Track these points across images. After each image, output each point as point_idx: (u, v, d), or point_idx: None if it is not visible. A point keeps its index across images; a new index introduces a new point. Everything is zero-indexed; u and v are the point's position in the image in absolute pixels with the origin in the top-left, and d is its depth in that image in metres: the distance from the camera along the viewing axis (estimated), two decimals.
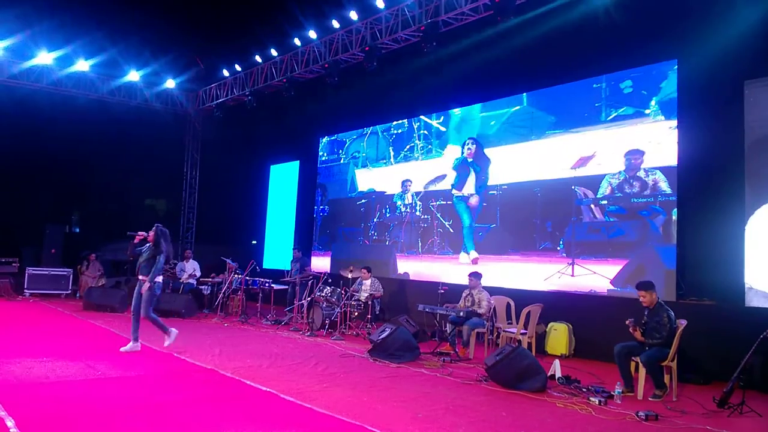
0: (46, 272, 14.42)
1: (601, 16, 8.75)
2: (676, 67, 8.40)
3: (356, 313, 10.36)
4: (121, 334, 8.95)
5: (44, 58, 14.26)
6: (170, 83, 16.32)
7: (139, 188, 18.11)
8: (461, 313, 8.58)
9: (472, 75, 11.12)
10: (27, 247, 15.55)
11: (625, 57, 8.98)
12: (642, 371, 6.33)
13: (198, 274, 13.26)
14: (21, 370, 6.14)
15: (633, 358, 6.53)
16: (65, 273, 14.54)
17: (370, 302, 10.47)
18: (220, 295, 11.93)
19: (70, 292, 14.41)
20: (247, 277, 11.69)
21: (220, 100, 16.21)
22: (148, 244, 7.85)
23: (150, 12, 14.26)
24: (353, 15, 11.55)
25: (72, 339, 8.44)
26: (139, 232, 7.91)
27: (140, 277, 7.74)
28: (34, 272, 14.20)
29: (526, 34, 9.59)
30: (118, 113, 15.96)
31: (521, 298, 8.93)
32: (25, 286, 13.97)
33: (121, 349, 7.45)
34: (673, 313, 6.39)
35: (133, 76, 15.59)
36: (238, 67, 15.28)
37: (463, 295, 9.00)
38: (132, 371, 6.38)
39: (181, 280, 13.00)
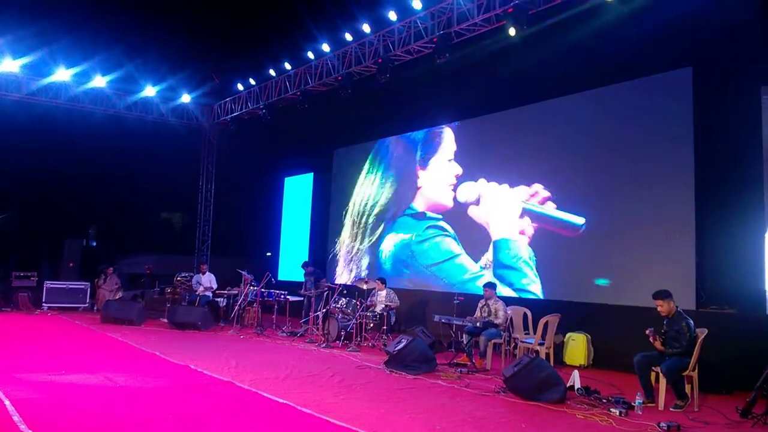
0: (64, 286, 14.58)
1: (615, 24, 8.74)
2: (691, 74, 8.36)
3: (372, 325, 10.34)
4: (139, 347, 9.01)
5: (62, 74, 14.51)
6: (185, 98, 16.51)
7: (156, 202, 18.30)
8: (478, 324, 8.53)
9: (486, 85, 11.14)
10: (45, 261, 15.76)
11: (639, 65, 8.94)
12: (663, 381, 6.24)
13: (214, 286, 13.32)
14: (41, 383, 6.19)
15: (653, 368, 6.44)
16: (83, 286, 14.69)
17: (385, 313, 10.45)
18: (236, 307, 11.96)
19: (87, 305, 14.55)
20: (263, 289, 11.72)
21: (235, 114, 16.35)
22: None
23: (166, 28, 14.50)
24: (366, 28, 11.62)
25: (90, 352, 8.50)
26: None
27: None
28: (52, 286, 14.35)
29: (540, 45, 9.61)
30: (135, 128, 16.17)
31: (538, 308, 8.85)
32: (44, 300, 14.12)
33: None
34: (692, 322, 6.30)
35: (149, 91, 15.80)
36: (252, 81, 15.42)
37: (479, 305, 8.95)
38: (150, 383, 6.41)
39: (197, 293, 13.05)
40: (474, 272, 11.06)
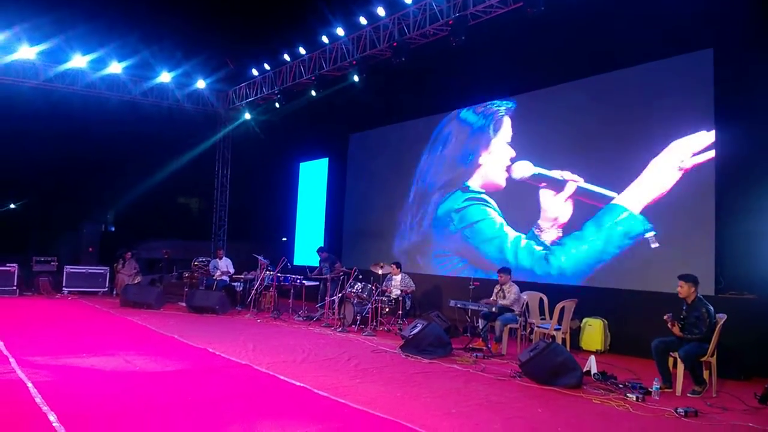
0: (84, 270, 14.79)
1: (635, 5, 8.58)
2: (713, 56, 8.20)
3: (387, 309, 10.37)
4: (158, 330, 9.12)
5: (78, 61, 14.57)
6: (201, 84, 16.54)
7: (172, 187, 18.46)
8: (493, 309, 8.51)
9: (503, 68, 11.02)
10: (65, 246, 15.99)
11: (660, 46, 8.78)
12: (680, 367, 6.19)
13: (231, 271, 13.43)
14: (62, 366, 6.30)
15: (671, 353, 6.39)
16: (102, 271, 14.89)
17: (401, 298, 10.47)
18: (253, 292, 12.06)
19: (106, 289, 14.75)
20: (279, 274, 11.80)
21: (250, 99, 16.37)
22: None
23: (181, 14, 14.49)
24: (381, 11, 11.52)
25: (110, 335, 8.62)
26: None
27: None
28: (72, 270, 14.57)
29: (558, 25, 9.47)
30: (151, 114, 16.25)
31: (555, 293, 8.81)
32: (64, 284, 14.34)
33: None
34: (712, 308, 6.24)
35: (165, 77, 15.84)
36: (267, 66, 15.40)
37: (495, 290, 8.93)
38: (169, 366, 6.50)
39: (214, 277, 13.18)
40: (504, 230, 10.99)
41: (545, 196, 10.34)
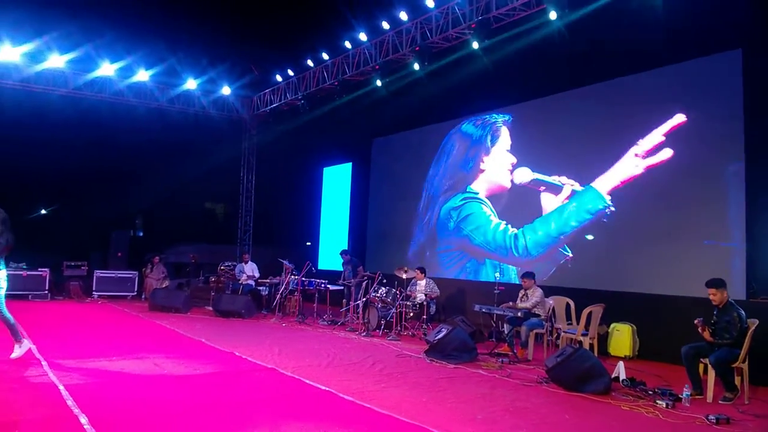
0: (113, 275, 15.06)
1: (661, 6, 8.46)
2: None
3: (411, 314, 10.36)
4: (186, 334, 9.24)
5: (107, 69, 14.86)
6: (226, 90, 16.75)
7: (199, 193, 18.68)
8: (519, 314, 8.45)
9: (527, 71, 10.96)
10: (95, 252, 16.26)
11: (687, 47, 8.65)
12: (711, 373, 6.09)
13: (256, 275, 13.55)
14: (93, 369, 6.42)
15: (702, 359, 6.29)
16: (131, 275, 15.15)
17: (425, 303, 10.45)
18: (278, 296, 12.15)
19: (135, 293, 15.00)
20: (304, 278, 11.86)
21: (274, 105, 16.52)
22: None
23: (206, 21, 14.70)
24: (403, 15, 11.56)
25: (139, 339, 8.76)
26: None
27: None
28: (101, 275, 14.85)
29: (581, 29, 9.39)
30: (177, 121, 16.51)
31: (581, 298, 8.71)
32: (94, 289, 14.62)
33: (13, 356, 6.61)
34: (743, 312, 6.12)
35: (191, 84, 16.07)
36: (290, 72, 15.54)
37: (519, 295, 8.88)
38: (197, 370, 6.58)
39: (240, 282, 13.31)
40: (488, 221, 11.66)
41: (546, 199, 10.66)
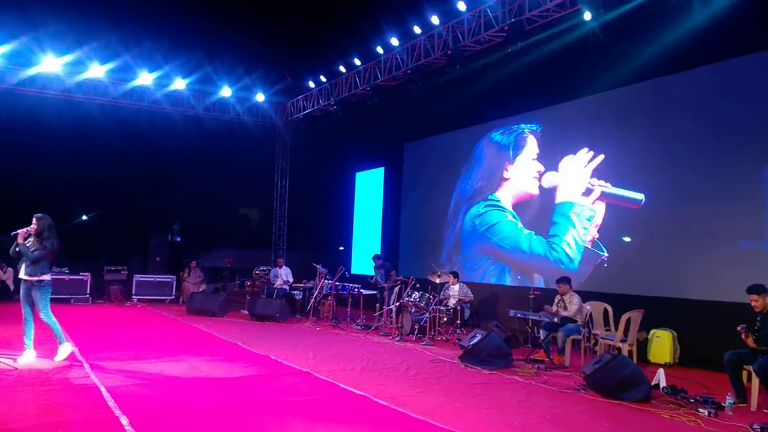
0: (152, 279, 15.39)
1: (694, 7, 8.28)
2: None
3: (445, 319, 10.30)
4: (222, 337, 9.38)
5: (145, 78, 15.21)
6: (260, 97, 16.97)
7: (234, 199, 18.99)
8: (555, 319, 8.32)
9: (562, 72, 10.83)
10: (134, 256, 16.67)
11: (720, 48, 8.44)
12: (755, 381, 5.89)
13: (290, 279, 13.68)
14: (133, 370, 6.56)
15: (745, 366, 6.09)
16: (169, 280, 15.46)
17: (459, 307, 10.39)
18: (312, 300, 12.23)
19: (173, 297, 15.30)
20: (337, 283, 11.92)
21: (307, 111, 16.67)
22: (31, 238, 6.78)
23: (240, 29, 14.93)
24: (435, 20, 11.55)
25: (177, 342, 8.93)
26: (22, 229, 6.76)
27: (25, 277, 6.74)
28: (141, 279, 15.19)
29: (618, 29, 9.23)
30: (212, 128, 16.81)
31: (620, 304, 8.54)
32: (133, 292, 14.96)
33: (57, 359, 6.78)
34: None
35: (226, 92, 16.34)
36: (323, 78, 15.68)
37: (555, 300, 8.73)
38: (233, 373, 6.66)
39: (275, 286, 13.45)
40: (516, 229, 11.68)
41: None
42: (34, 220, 6.82)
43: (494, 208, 12.24)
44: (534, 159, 11.59)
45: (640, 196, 9.47)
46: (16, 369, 6.31)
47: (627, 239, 9.62)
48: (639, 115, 9.66)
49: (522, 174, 11.82)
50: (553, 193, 11.03)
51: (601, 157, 10.17)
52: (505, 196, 12.12)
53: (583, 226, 10.33)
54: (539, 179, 11.37)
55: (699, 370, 7.91)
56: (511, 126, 12.21)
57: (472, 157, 13.18)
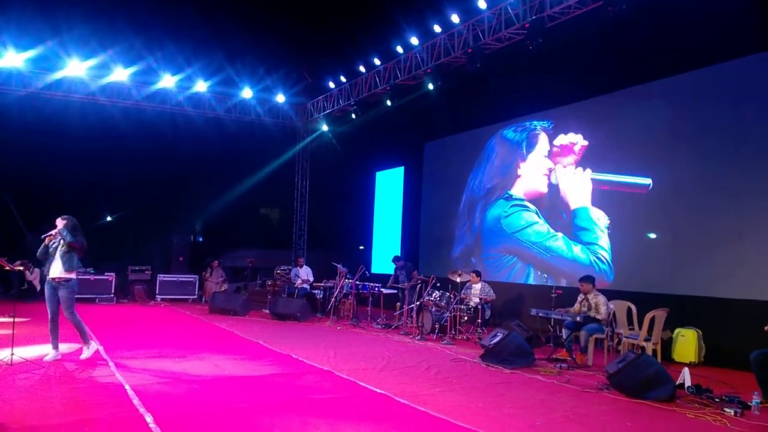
0: (175, 279, 15.59)
1: (708, 5, 8.16)
2: None
3: (466, 318, 10.27)
4: (244, 336, 9.46)
5: (167, 81, 15.39)
6: (280, 98, 17.09)
7: (255, 199, 19.12)
8: (578, 318, 8.23)
9: (583, 70, 10.73)
10: (157, 256, 16.89)
11: (726, 48, 8.32)
12: None
13: (311, 279, 13.74)
14: (157, 369, 6.65)
15: None
16: (192, 279, 15.64)
17: (479, 307, 10.34)
18: (332, 300, 12.28)
19: (196, 296, 15.47)
20: (357, 282, 11.95)
21: (327, 111, 16.74)
22: (59, 240, 6.87)
23: (261, 31, 15.04)
24: (455, 18, 11.51)
25: (201, 340, 9.02)
26: (50, 232, 6.92)
27: (50, 276, 6.88)
28: (164, 279, 15.39)
29: (640, 26, 9.12)
30: (233, 130, 16.97)
31: (643, 303, 8.43)
32: (157, 292, 15.16)
33: (82, 357, 6.91)
34: None
35: (247, 93, 16.48)
36: (343, 79, 15.73)
37: (579, 299, 8.64)
38: (256, 371, 6.72)
39: (295, 285, 13.53)
40: (549, 234, 11.44)
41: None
42: (59, 221, 6.94)
43: (522, 208, 12.08)
44: (545, 156, 11.59)
45: (647, 181, 9.49)
46: (42, 367, 6.43)
47: (652, 236, 9.49)
48: (662, 110, 9.52)
49: (533, 171, 11.84)
50: (561, 192, 11.04)
51: (585, 142, 10.34)
52: (518, 192, 12.12)
53: (601, 230, 10.31)
54: (548, 176, 11.41)
55: (724, 369, 7.78)
56: (523, 123, 12.18)
57: (484, 154, 13.17)
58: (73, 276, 6.92)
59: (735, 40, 8.36)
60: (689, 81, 9.20)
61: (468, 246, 13.54)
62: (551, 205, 11.44)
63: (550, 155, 11.51)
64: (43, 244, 6.92)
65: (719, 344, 8.20)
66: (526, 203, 11.99)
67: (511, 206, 12.32)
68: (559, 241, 11.17)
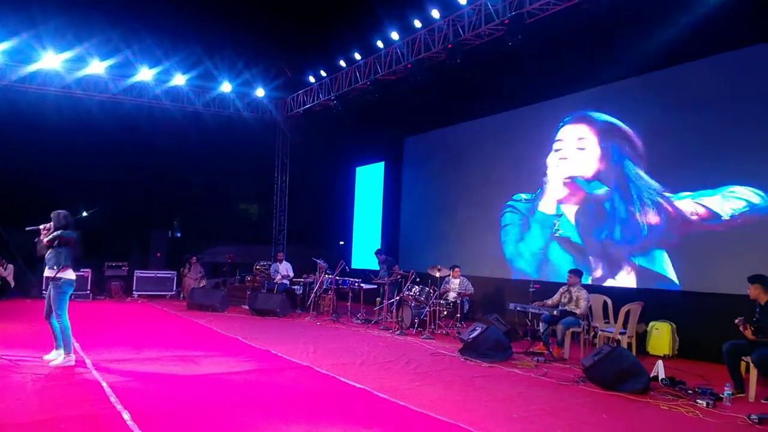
0: (153, 275, 15.43)
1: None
2: None
3: (445, 312, 10.34)
4: (223, 332, 9.41)
5: (145, 74, 15.18)
6: (260, 92, 16.95)
7: (234, 194, 19.01)
8: (555, 312, 8.34)
9: (561, 66, 10.82)
10: (134, 252, 16.70)
11: (716, 41, 8.44)
12: (753, 372, 5.94)
13: (291, 274, 13.70)
14: (134, 366, 6.59)
15: (743, 357, 6.14)
16: (169, 275, 15.50)
17: (459, 301, 10.42)
18: (312, 295, 12.27)
19: (174, 293, 15.34)
20: (337, 277, 11.95)
21: (307, 106, 16.65)
22: (52, 234, 6.56)
23: (240, 24, 14.90)
24: (435, 13, 11.52)
25: (178, 337, 8.96)
26: (43, 225, 6.61)
27: (46, 274, 6.59)
28: (141, 275, 15.23)
29: (616, 22, 9.22)
30: (212, 124, 16.77)
31: (619, 296, 8.57)
32: (134, 288, 15.00)
33: (51, 363, 6.39)
34: None
35: (226, 87, 16.33)
36: (323, 73, 15.66)
37: (561, 291, 8.70)
38: (234, 368, 6.69)
39: (275, 281, 13.48)
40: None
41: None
42: (53, 216, 6.60)
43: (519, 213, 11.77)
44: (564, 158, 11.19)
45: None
46: (18, 365, 6.34)
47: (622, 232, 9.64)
48: (644, 106, 9.65)
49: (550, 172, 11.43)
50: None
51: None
52: (527, 196, 11.82)
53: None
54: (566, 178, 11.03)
55: (697, 361, 7.94)
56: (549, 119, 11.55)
57: (481, 155, 12.98)
58: (65, 275, 6.47)
59: (711, 38, 8.49)
60: (669, 76, 9.31)
61: (467, 246, 13.04)
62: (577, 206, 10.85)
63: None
64: (38, 239, 6.58)
65: (692, 337, 8.37)
66: (540, 209, 11.40)
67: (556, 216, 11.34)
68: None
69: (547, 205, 11.25)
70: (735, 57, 8.36)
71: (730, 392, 5.77)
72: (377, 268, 13.04)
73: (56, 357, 6.48)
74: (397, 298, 10.81)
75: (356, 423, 4.73)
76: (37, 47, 13.79)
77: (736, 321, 6.07)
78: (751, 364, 5.92)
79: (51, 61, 14.14)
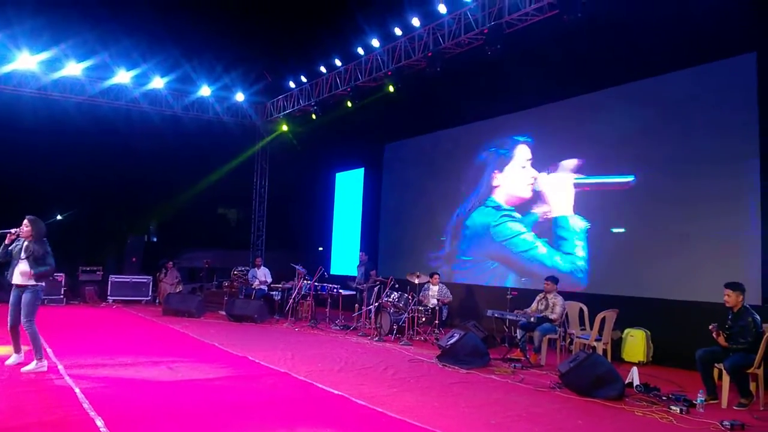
0: (128, 280, 15.20)
1: (674, 10, 8.45)
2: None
3: (424, 319, 10.36)
4: (200, 338, 9.31)
5: (122, 77, 15.00)
6: (239, 97, 16.88)
7: (212, 199, 18.82)
8: (532, 319, 8.41)
9: (539, 76, 10.96)
10: (110, 257, 16.45)
11: (700, 51, 8.63)
12: (726, 378, 6.04)
13: (269, 280, 13.62)
14: (108, 372, 6.49)
15: (716, 364, 6.24)
16: (145, 280, 15.28)
17: (437, 307, 10.45)
18: (291, 301, 12.20)
19: (149, 298, 15.12)
20: (316, 283, 11.91)
21: (287, 111, 16.62)
22: (22, 241, 6.38)
23: (220, 29, 14.83)
24: (416, 22, 11.59)
25: (154, 343, 8.84)
26: (11, 230, 6.39)
27: (14, 282, 6.38)
28: (116, 280, 15.00)
29: (594, 33, 9.39)
30: (191, 128, 16.64)
31: (595, 304, 8.68)
32: (109, 293, 14.76)
33: (23, 369, 6.27)
34: (759, 317, 6.07)
35: (205, 91, 16.22)
36: (303, 79, 15.65)
37: (537, 298, 8.80)
38: (211, 374, 6.63)
39: (253, 287, 13.38)
40: (533, 244, 11.20)
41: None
42: (25, 224, 6.38)
43: (510, 219, 11.75)
44: (524, 167, 11.54)
45: (629, 179, 9.53)
46: None
47: (618, 230, 9.74)
48: (614, 119, 9.82)
49: (513, 180, 11.76)
50: (544, 199, 11.02)
51: (575, 161, 10.36)
52: (500, 200, 12.02)
53: (579, 239, 10.30)
54: (532, 184, 11.30)
55: (671, 368, 8.07)
56: (504, 139, 12.06)
57: (459, 163, 13.11)
58: (41, 282, 6.39)
59: (691, 48, 8.69)
60: (640, 88, 9.50)
61: (445, 253, 13.28)
62: (533, 211, 11.27)
63: (530, 163, 11.47)
64: (3, 245, 6.39)
65: (666, 344, 8.50)
66: (515, 213, 11.65)
67: (501, 216, 11.95)
68: (541, 249, 10.97)
69: (521, 211, 11.42)
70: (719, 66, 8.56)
71: (703, 399, 5.86)
72: (356, 273, 13.04)
73: (33, 364, 6.32)
74: (376, 304, 10.80)
75: (334, 429, 4.72)
76: (12, 48, 13.58)
77: (710, 327, 6.19)
78: (724, 371, 6.03)
79: (27, 61, 13.91)
